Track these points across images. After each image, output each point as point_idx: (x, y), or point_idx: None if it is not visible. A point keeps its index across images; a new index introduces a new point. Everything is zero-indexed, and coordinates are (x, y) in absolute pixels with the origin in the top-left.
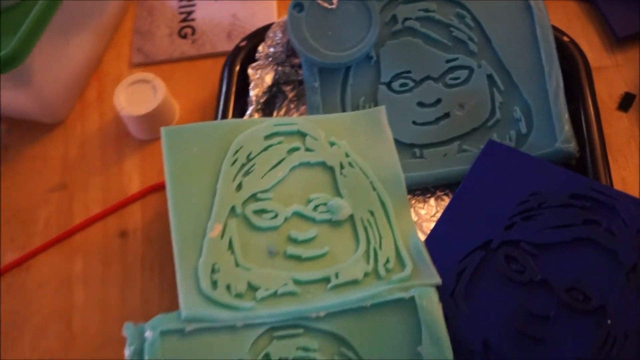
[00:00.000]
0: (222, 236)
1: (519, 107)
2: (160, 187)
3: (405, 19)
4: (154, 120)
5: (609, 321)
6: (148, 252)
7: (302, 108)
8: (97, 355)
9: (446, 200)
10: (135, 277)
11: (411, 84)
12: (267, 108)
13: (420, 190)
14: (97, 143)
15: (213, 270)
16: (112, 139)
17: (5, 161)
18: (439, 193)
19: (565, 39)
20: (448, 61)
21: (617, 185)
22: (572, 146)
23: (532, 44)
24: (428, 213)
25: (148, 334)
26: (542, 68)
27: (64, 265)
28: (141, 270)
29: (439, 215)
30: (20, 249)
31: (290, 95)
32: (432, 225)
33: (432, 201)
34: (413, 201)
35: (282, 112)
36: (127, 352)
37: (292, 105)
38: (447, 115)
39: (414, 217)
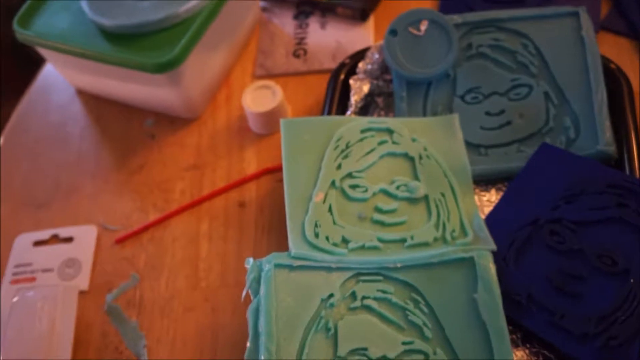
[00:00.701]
0: (324, 201)
1: (569, 117)
2: (272, 171)
3: (479, 46)
4: (271, 118)
5: (631, 280)
6: (260, 219)
7: (390, 115)
8: (216, 293)
9: (504, 190)
10: (249, 237)
11: (481, 97)
12: (362, 113)
13: (483, 181)
14: (224, 135)
15: (316, 225)
16: (235, 132)
17: (151, 146)
18: (498, 184)
19: (612, 65)
20: (512, 80)
21: None
22: (612, 149)
23: (583, 68)
24: (489, 200)
25: (265, 265)
26: (590, 87)
27: (193, 226)
28: (254, 232)
29: (496, 202)
30: (160, 212)
31: (381, 105)
32: (491, 209)
33: (492, 190)
34: (477, 190)
35: (374, 117)
36: (248, 279)
37: (382, 113)
38: (509, 122)
39: (477, 202)
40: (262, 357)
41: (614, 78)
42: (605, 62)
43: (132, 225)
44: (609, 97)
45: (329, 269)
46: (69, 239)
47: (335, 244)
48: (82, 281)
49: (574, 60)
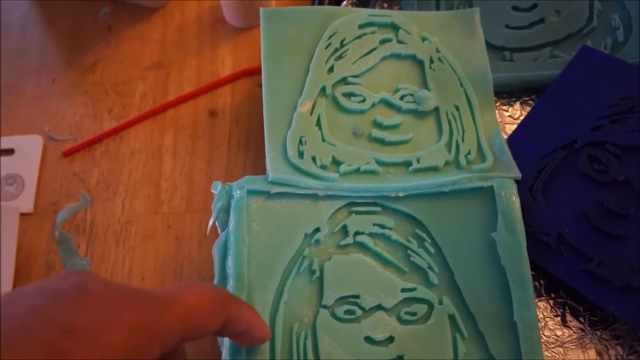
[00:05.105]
0: (311, 112)
1: (618, 15)
2: (250, 73)
3: None
4: (251, 7)
5: None
6: (234, 130)
7: (395, 9)
8: (181, 219)
9: (531, 105)
10: (221, 152)
11: None
12: (361, 4)
13: (506, 93)
14: (194, 28)
15: (300, 142)
16: (208, 25)
17: (107, 40)
18: (524, 97)
19: None
20: None
21: None
22: None
23: None
24: (512, 115)
25: (236, 191)
26: None
27: (155, 137)
28: (227, 146)
29: (522, 118)
30: (117, 120)
31: None
32: (514, 127)
33: (517, 105)
34: (498, 103)
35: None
36: (214, 208)
37: (385, 5)
38: (541, 20)
39: (498, 118)
40: None
41: None
42: None
43: (83, 135)
44: None
45: (315, 198)
46: (9, 151)
47: (323, 167)
48: (26, 201)
49: None
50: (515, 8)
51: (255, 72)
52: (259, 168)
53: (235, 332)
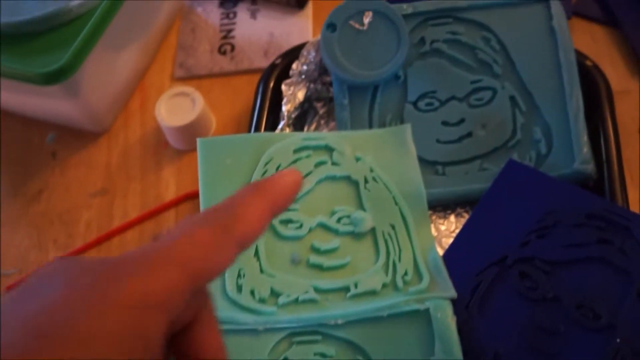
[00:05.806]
0: None
1: (540, 127)
2: (194, 195)
3: (433, 41)
4: (192, 131)
5: (618, 340)
6: None
7: (332, 124)
8: None
9: (466, 217)
10: None
11: (436, 103)
12: (298, 123)
13: (441, 206)
14: (138, 151)
15: (239, 275)
16: (151, 148)
17: (52, 167)
18: (459, 210)
19: (588, 62)
20: (473, 82)
21: (634, 207)
22: (590, 167)
23: (554, 67)
24: (448, 229)
25: None
26: (564, 90)
27: None
28: None
29: (458, 231)
30: (62, 249)
31: (321, 111)
32: (451, 240)
33: (452, 217)
34: (434, 217)
35: (313, 127)
36: None
37: (322, 121)
38: (469, 134)
39: (434, 232)
40: None
41: (590, 78)
42: (580, 58)
43: (28, 268)
44: (585, 100)
45: (255, 332)
46: None
47: (262, 300)
48: None
49: (544, 57)
50: (444, 123)
51: (198, 195)
52: None
53: (261, 233)
